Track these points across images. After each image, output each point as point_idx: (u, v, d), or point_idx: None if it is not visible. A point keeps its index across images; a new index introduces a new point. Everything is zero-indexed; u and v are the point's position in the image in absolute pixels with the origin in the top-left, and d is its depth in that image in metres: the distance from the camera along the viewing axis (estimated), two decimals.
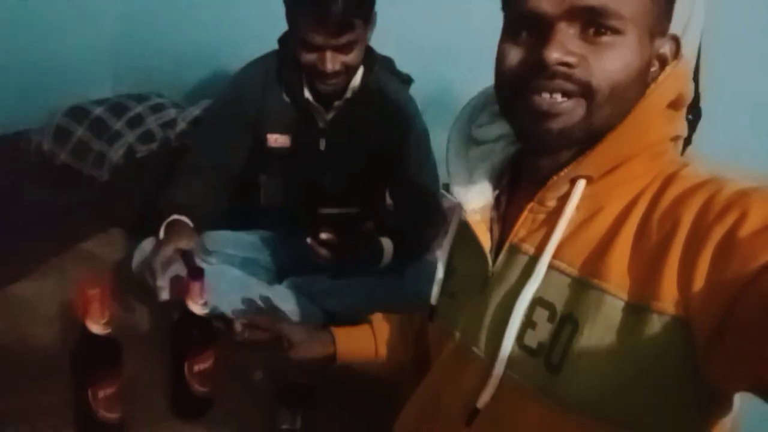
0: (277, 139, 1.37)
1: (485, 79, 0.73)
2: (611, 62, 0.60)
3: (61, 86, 2.11)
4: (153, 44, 2.33)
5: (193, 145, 1.42)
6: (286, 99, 1.35)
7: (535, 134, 0.64)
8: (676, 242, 0.56)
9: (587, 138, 0.64)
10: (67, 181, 1.85)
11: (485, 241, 0.73)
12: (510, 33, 0.65)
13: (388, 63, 1.50)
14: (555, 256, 0.65)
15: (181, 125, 1.85)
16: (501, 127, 0.78)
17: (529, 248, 0.69)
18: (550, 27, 0.60)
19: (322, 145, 1.39)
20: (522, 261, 0.70)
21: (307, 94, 1.34)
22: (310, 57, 1.23)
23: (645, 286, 0.58)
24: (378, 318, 1.01)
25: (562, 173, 0.66)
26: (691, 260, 0.54)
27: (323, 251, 1.21)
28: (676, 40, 0.67)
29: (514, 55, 0.64)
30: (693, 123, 1.65)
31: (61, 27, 2.21)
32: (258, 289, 1.30)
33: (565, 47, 0.59)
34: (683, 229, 0.56)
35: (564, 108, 0.61)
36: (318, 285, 1.34)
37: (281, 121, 1.36)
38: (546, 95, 0.61)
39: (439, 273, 0.84)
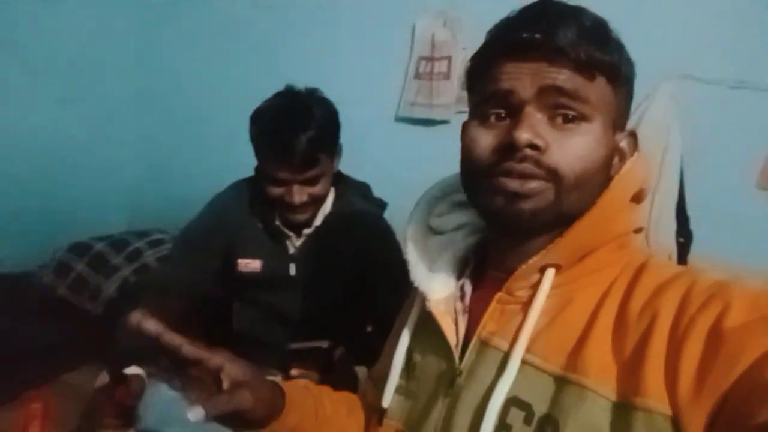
0: (248, 264, 1.37)
1: None
2: (577, 148, 0.61)
3: (79, 230, 2.22)
4: (168, 191, 2.49)
5: (161, 266, 1.44)
6: (259, 225, 1.38)
7: (508, 215, 0.63)
8: (657, 335, 0.54)
9: (556, 223, 0.63)
10: (63, 315, 1.88)
11: (451, 334, 0.69)
12: (478, 116, 0.66)
13: (363, 188, 1.53)
14: (528, 350, 0.62)
15: None
16: (461, 217, 0.78)
17: (500, 342, 0.65)
18: (520, 109, 0.61)
19: (293, 270, 1.38)
20: (492, 356, 0.65)
21: (278, 221, 1.36)
22: (277, 191, 1.28)
23: (627, 381, 0.55)
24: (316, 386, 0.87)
25: (531, 261, 0.64)
26: (676, 353, 0.52)
27: None
28: (633, 136, 0.68)
29: (485, 140, 0.64)
30: (685, 245, 1.61)
31: (84, 176, 2.39)
32: None
33: (534, 129, 0.60)
34: (664, 322, 0.55)
35: (534, 188, 0.61)
36: None
37: (253, 246, 1.38)
38: (515, 178, 0.61)
39: (396, 370, 0.76)
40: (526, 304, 0.65)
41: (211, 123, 2.50)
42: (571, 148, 0.60)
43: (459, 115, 2.02)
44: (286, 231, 1.37)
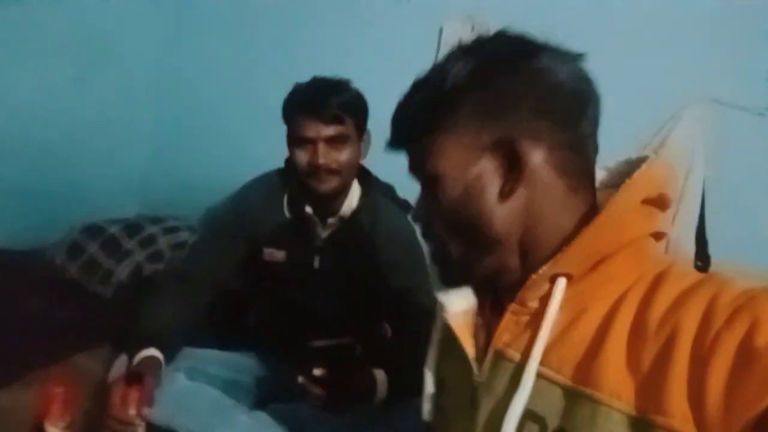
0: (272, 254, 1.37)
1: None
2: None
3: (89, 210, 2.21)
4: (180, 176, 2.48)
5: (185, 254, 1.44)
6: (287, 215, 1.38)
7: None
8: (680, 350, 0.51)
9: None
10: (73, 296, 1.86)
11: (469, 347, 0.68)
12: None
13: (387, 189, 1.53)
14: (542, 363, 0.60)
15: None
16: None
17: (515, 354, 0.64)
18: None
19: (317, 263, 1.38)
20: (508, 369, 0.64)
21: (307, 208, 1.36)
22: (304, 155, 1.29)
23: (647, 397, 0.52)
24: None
25: (540, 271, 0.62)
26: (701, 371, 0.50)
27: (316, 389, 1.15)
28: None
29: None
30: (703, 269, 1.62)
31: (96, 157, 2.37)
32: (235, 413, 1.23)
33: None
34: (686, 337, 0.52)
35: None
36: (301, 413, 1.26)
37: (279, 236, 1.37)
38: None
39: (429, 386, 0.77)
40: (539, 315, 0.63)
41: (226, 114, 2.49)
42: None
43: None
44: (314, 218, 1.37)
